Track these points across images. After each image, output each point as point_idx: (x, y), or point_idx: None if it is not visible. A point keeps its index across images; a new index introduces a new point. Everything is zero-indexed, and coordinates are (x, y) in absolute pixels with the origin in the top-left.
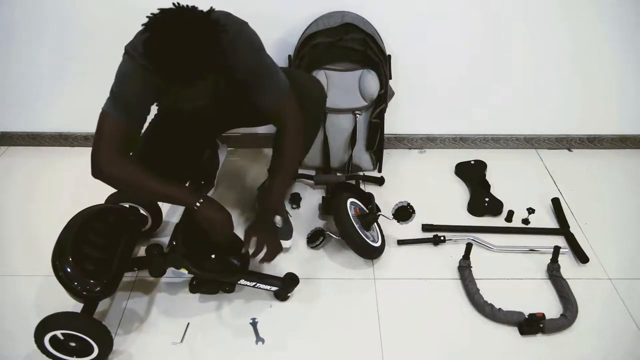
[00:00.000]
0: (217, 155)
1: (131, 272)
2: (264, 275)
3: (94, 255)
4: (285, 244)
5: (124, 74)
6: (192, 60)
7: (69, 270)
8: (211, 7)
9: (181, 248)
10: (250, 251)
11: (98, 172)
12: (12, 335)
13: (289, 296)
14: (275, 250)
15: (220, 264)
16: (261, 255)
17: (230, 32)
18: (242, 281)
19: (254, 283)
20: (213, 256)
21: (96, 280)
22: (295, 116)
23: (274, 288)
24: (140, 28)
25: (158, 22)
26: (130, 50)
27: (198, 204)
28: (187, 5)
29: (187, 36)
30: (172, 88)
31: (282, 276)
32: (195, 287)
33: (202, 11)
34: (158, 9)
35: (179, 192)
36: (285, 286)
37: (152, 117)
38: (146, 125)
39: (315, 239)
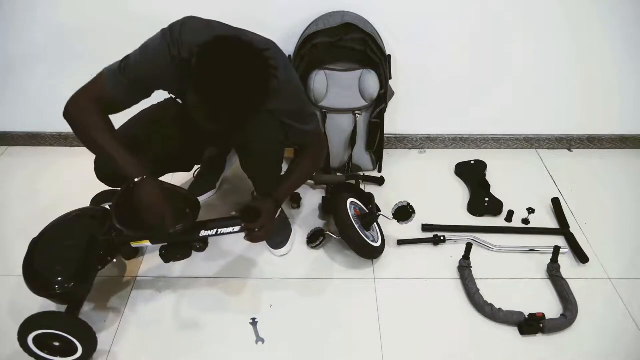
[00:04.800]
0: (225, 159)
1: (108, 264)
2: (221, 219)
3: (62, 255)
4: (281, 251)
5: (151, 49)
6: (238, 107)
7: (35, 275)
8: (268, 47)
9: (117, 223)
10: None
11: (66, 112)
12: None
13: (257, 230)
14: (266, 235)
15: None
16: (255, 231)
17: (280, 77)
18: (204, 232)
19: (215, 230)
20: None
21: (63, 278)
22: (320, 149)
23: (237, 228)
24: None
25: (215, 52)
26: (168, 33)
27: (136, 179)
28: (245, 42)
29: (240, 80)
30: (204, 113)
31: (236, 213)
32: (165, 255)
33: (258, 50)
34: (214, 36)
35: (125, 159)
36: (247, 220)
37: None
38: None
39: (315, 239)
